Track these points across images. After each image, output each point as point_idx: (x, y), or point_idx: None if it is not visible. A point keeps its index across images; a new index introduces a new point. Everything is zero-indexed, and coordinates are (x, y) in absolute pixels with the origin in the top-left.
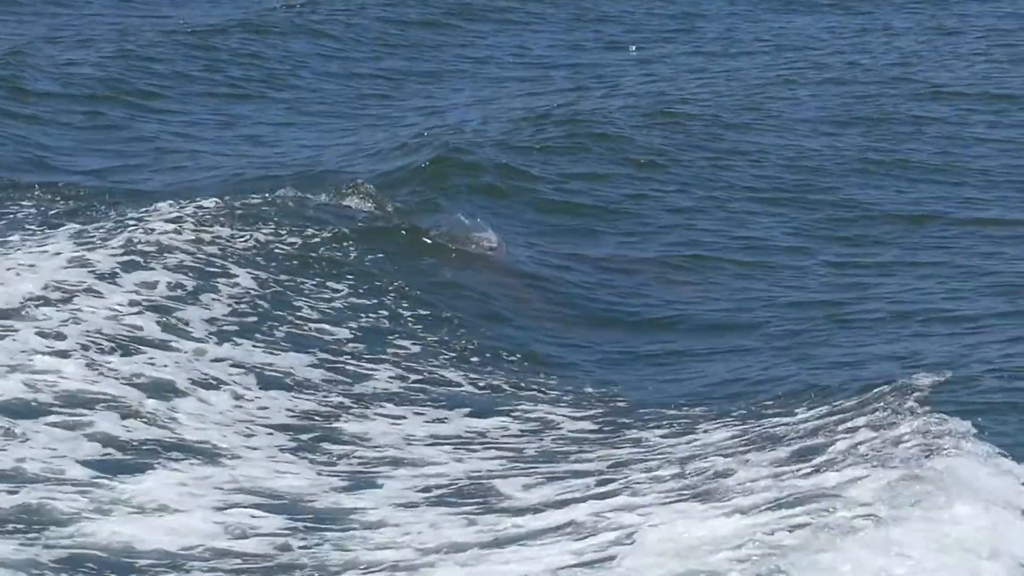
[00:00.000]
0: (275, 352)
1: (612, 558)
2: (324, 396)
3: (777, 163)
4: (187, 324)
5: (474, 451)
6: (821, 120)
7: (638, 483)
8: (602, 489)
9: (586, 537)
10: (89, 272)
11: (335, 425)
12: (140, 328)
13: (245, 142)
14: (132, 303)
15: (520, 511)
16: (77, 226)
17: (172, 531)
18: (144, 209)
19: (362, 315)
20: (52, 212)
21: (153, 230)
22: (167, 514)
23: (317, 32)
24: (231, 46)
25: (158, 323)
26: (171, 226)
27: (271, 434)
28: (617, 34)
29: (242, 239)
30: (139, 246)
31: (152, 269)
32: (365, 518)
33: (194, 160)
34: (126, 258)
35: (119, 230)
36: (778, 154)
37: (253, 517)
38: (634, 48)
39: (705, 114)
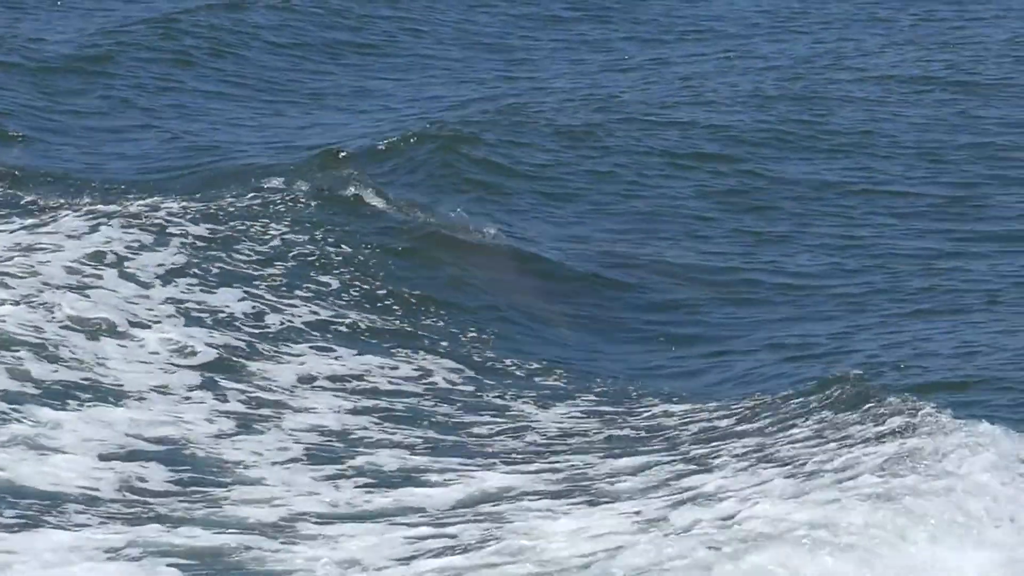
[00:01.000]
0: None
1: (472, 549)
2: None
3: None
4: (140, 270)
5: (395, 428)
6: (750, 97)
7: (532, 470)
8: (494, 473)
9: (446, 523)
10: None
11: (246, 363)
12: (93, 277)
13: (226, 130)
14: (90, 257)
15: (410, 482)
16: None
17: (55, 474)
18: (126, 197)
19: (323, 286)
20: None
21: (138, 220)
22: (57, 454)
23: (297, 18)
24: (206, 33)
25: (111, 273)
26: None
27: (175, 373)
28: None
29: (224, 231)
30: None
31: (135, 250)
32: (242, 473)
33: (182, 149)
34: (94, 223)
35: (82, 210)
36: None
37: (139, 465)
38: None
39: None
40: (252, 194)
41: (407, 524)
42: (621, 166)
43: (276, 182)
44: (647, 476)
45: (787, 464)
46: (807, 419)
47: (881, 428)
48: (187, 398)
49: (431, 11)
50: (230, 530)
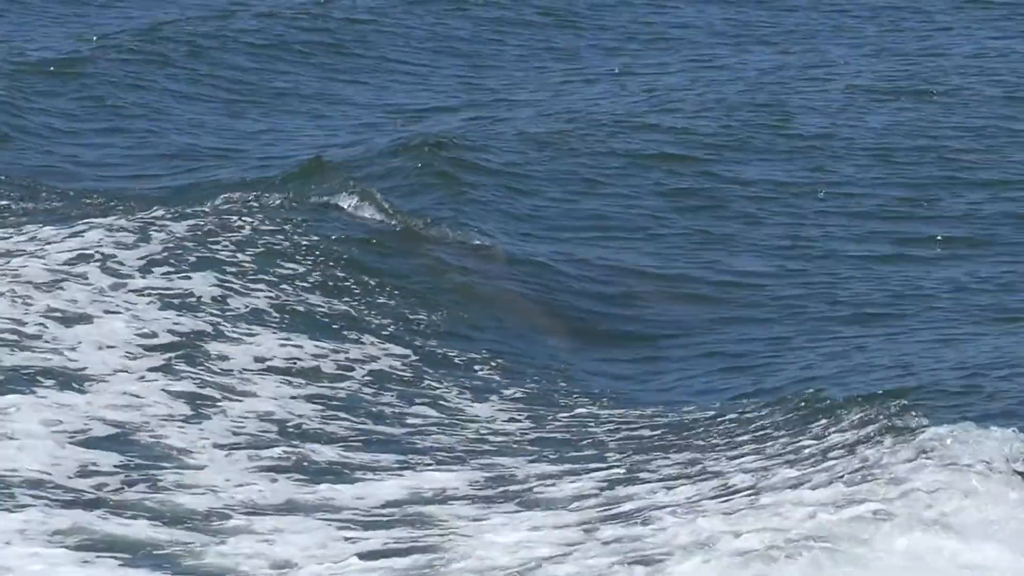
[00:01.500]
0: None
1: (400, 553)
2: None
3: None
4: (121, 264)
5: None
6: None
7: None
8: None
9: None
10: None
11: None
12: (70, 273)
13: (226, 137)
14: (68, 255)
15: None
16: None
17: (10, 456)
18: (105, 201)
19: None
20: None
21: (141, 224)
22: (14, 439)
23: (299, 27)
24: (210, 43)
25: (88, 269)
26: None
27: (137, 359)
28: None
29: (223, 232)
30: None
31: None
32: (185, 460)
33: (181, 156)
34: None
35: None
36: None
37: (91, 449)
38: None
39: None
40: (227, 196)
41: (339, 522)
42: (583, 166)
43: (253, 185)
44: (578, 483)
45: (717, 476)
46: (742, 430)
47: (816, 439)
48: (144, 379)
49: (408, 16)
50: (167, 520)
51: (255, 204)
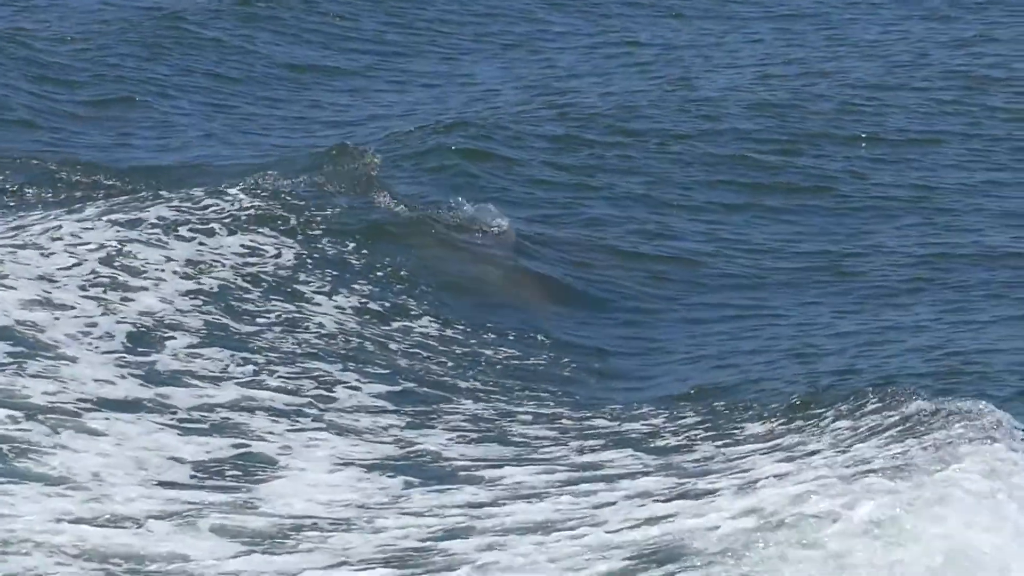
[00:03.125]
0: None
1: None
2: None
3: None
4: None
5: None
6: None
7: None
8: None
9: None
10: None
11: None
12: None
13: (230, 126)
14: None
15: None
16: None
17: None
18: (131, 192)
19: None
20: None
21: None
22: None
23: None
24: (214, 31)
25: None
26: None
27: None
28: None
29: (227, 217)
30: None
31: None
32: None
33: (185, 145)
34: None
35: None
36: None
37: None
38: None
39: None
40: (235, 180)
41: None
42: (596, 152)
43: (264, 169)
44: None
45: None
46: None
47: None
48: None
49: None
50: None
51: (265, 188)
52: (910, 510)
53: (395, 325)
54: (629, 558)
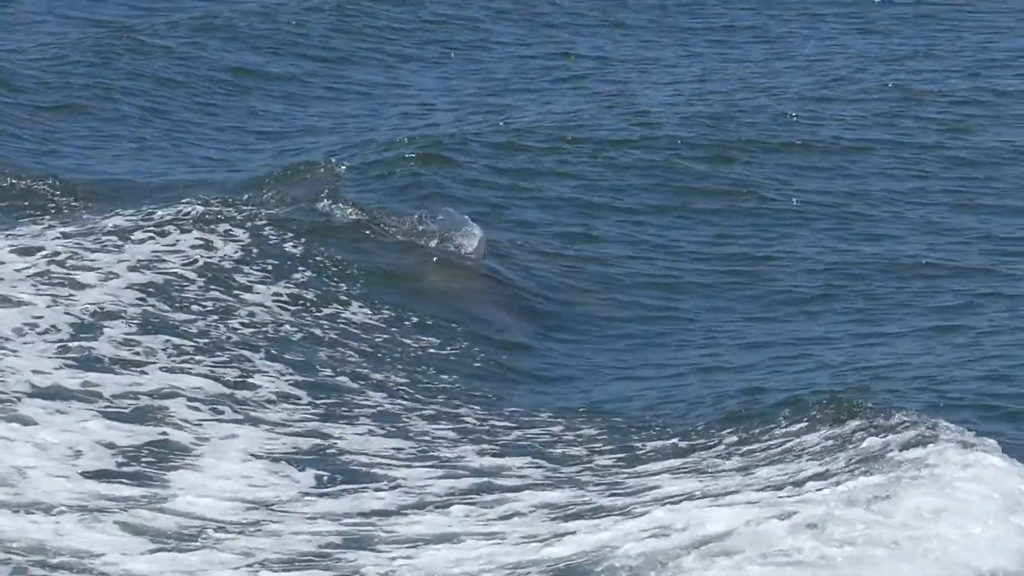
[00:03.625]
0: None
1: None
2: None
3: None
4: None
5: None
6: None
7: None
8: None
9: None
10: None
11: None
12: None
13: (165, 133)
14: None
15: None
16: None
17: None
18: (120, 206)
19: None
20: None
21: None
22: None
23: (298, 22)
24: (205, 41)
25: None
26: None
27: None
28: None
29: (179, 220)
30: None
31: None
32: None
33: (163, 155)
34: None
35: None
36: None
37: None
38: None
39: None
40: (210, 197)
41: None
42: (577, 166)
43: (237, 186)
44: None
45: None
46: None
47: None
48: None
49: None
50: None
51: (239, 204)
52: (811, 524)
53: (324, 313)
54: None
